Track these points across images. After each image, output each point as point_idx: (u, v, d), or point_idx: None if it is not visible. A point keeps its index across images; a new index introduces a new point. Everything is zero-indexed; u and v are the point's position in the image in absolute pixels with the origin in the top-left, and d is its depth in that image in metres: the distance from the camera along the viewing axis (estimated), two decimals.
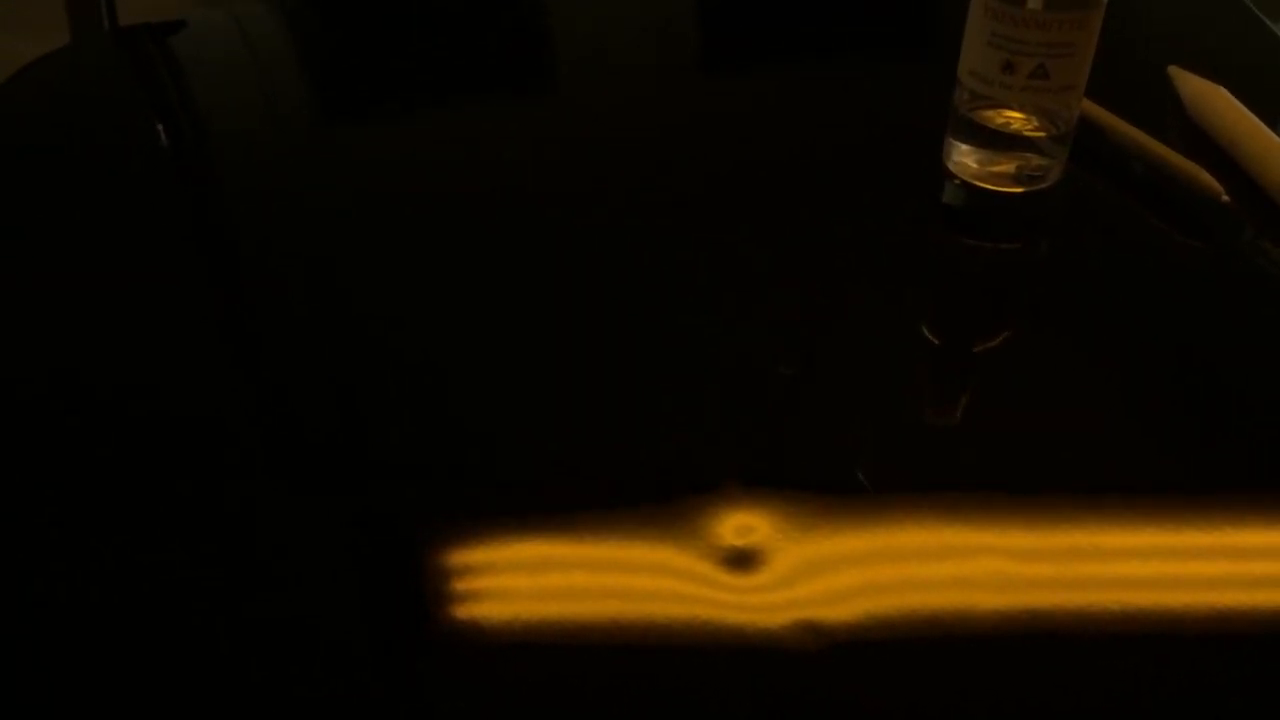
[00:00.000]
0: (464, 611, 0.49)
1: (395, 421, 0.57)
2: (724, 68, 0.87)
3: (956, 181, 0.71)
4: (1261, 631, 0.50)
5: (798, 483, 0.54)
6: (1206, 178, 0.68)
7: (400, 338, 0.62)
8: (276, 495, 0.54)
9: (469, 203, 0.70)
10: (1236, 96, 0.74)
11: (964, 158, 0.70)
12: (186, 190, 0.75)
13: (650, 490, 0.53)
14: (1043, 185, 0.70)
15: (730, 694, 0.46)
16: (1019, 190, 0.70)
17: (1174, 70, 0.78)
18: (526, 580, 0.50)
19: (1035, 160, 0.69)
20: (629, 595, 0.50)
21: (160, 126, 0.80)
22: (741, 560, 0.50)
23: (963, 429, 0.59)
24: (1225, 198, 0.68)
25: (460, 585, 0.50)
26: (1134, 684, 0.47)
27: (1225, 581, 0.51)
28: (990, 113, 0.69)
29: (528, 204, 0.70)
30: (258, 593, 0.50)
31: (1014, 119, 0.69)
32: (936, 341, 0.64)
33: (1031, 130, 0.69)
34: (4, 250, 0.68)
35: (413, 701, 0.46)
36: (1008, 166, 0.69)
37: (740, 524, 0.52)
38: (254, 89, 0.81)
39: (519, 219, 0.69)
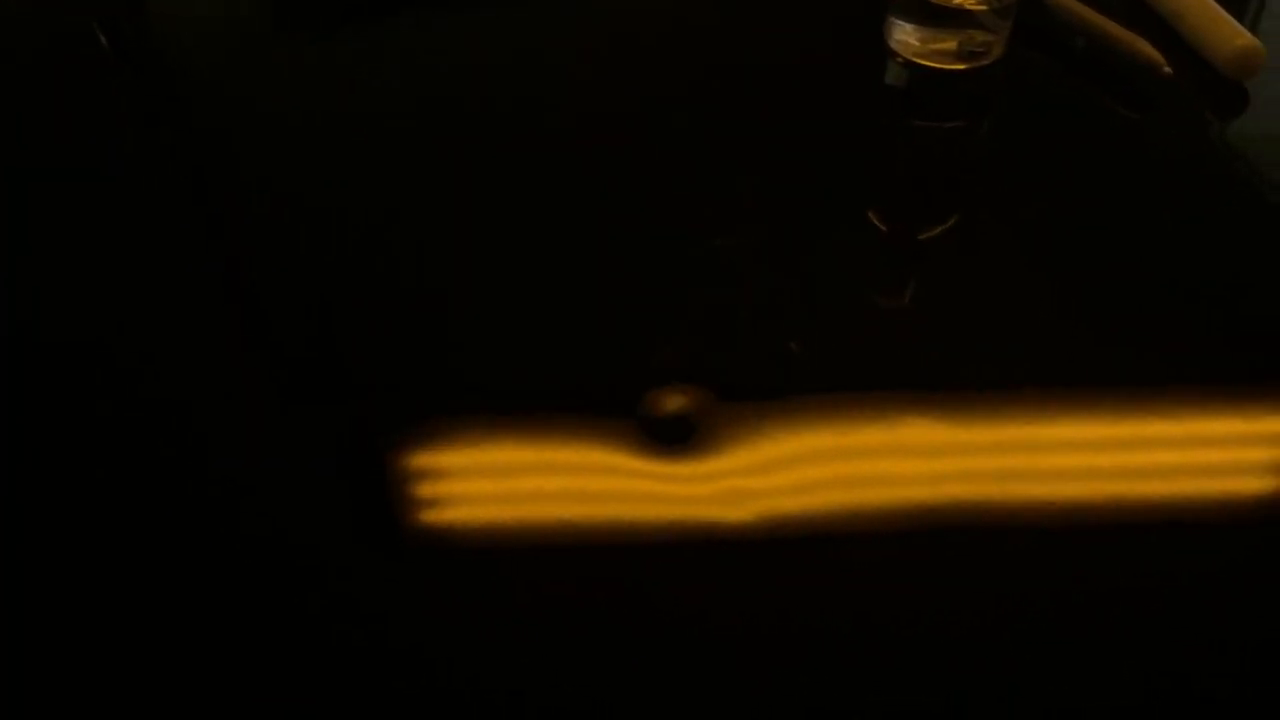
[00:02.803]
0: (430, 517, 0.49)
1: (345, 334, 0.57)
2: None
3: (899, 60, 0.70)
4: (1217, 518, 0.50)
5: (748, 379, 0.54)
6: (1148, 49, 0.68)
7: (366, 248, 0.61)
8: (246, 403, 0.54)
9: (435, 111, 0.70)
10: None
11: (906, 36, 0.70)
12: (147, 97, 0.74)
13: (611, 393, 0.53)
14: (985, 61, 0.69)
15: (685, 588, 0.46)
16: (962, 67, 0.69)
17: None
18: (492, 485, 0.50)
19: (978, 36, 0.69)
20: (591, 497, 0.50)
21: (99, 30, 0.79)
22: (700, 458, 0.50)
23: (912, 316, 0.59)
24: (1167, 69, 0.68)
25: (425, 491, 0.50)
26: (1091, 575, 0.47)
27: (1177, 470, 0.51)
28: None
29: (495, 111, 0.69)
30: (228, 501, 0.49)
31: None
32: (883, 224, 0.64)
33: (973, 4, 0.68)
34: None
35: (382, 602, 0.46)
36: (950, 43, 0.69)
37: (694, 421, 0.52)
38: None
39: (485, 126, 0.68)
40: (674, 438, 0.50)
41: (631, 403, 0.52)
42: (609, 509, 0.49)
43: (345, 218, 0.62)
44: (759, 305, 0.57)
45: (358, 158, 0.66)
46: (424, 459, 0.51)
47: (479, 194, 0.64)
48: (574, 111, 0.69)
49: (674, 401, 0.52)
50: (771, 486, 0.49)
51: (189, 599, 0.46)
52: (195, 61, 0.75)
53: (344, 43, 0.76)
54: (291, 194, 0.64)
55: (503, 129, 0.68)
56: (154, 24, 0.79)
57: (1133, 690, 0.43)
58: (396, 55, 0.74)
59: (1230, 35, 0.69)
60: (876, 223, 0.64)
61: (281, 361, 0.56)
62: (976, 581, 0.47)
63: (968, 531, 0.48)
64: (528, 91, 0.70)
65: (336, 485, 0.51)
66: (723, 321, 0.57)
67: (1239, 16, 0.70)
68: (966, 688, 0.44)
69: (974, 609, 0.46)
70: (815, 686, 0.43)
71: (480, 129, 0.68)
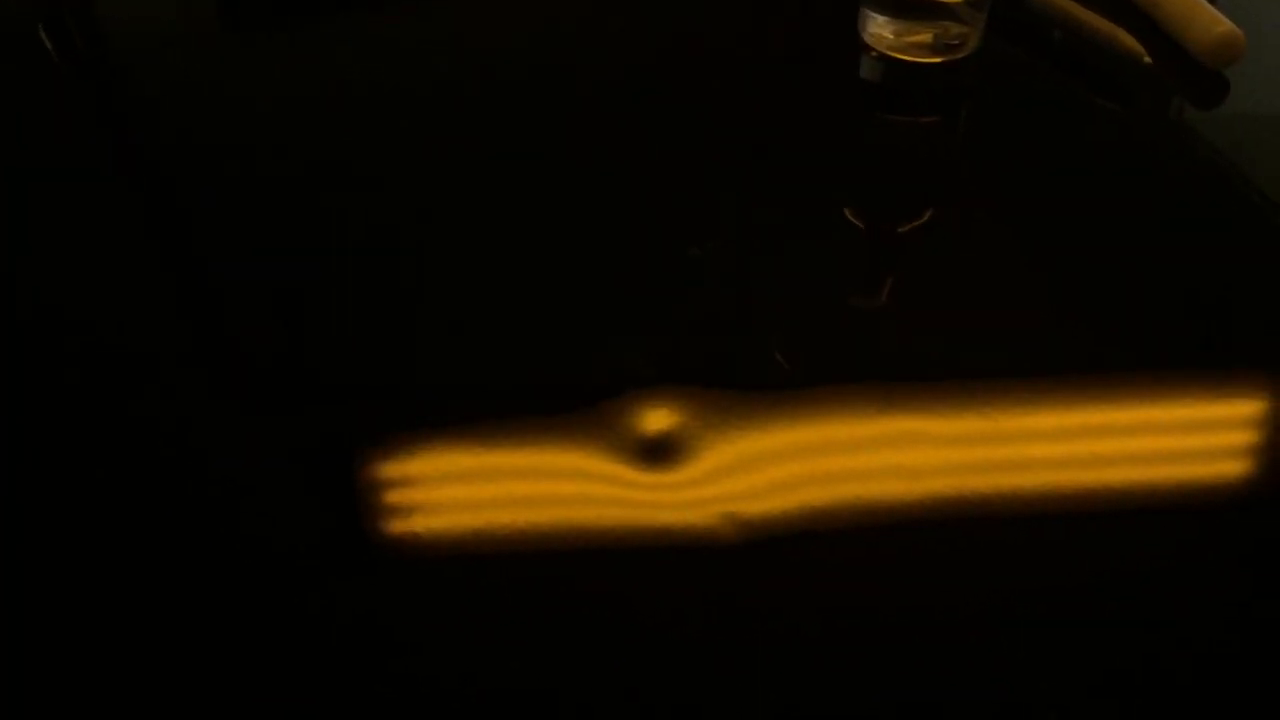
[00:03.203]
0: (394, 526, 0.47)
1: (312, 337, 0.54)
2: None
3: (874, 54, 0.68)
4: (1193, 502, 0.49)
5: (720, 377, 0.52)
6: (1127, 39, 0.67)
7: (320, 249, 0.58)
8: (204, 413, 0.51)
9: (392, 107, 0.67)
10: None
11: (880, 29, 0.68)
12: (95, 98, 0.71)
13: (571, 393, 0.51)
14: (961, 54, 0.68)
15: (660, 593, 0.44)
16: (937, 60, 0.68)
17: None
18: (453, 492, 0.48)
19: (953, 28, 0.67)
20: (555, 501, 0.48)
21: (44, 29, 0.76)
22: (667, 459, 0.48)
23: (888, 312, 0.57)
24: (1147, 59, 0.66)
25: (388, 500, 0.48)
26: (1068, 563, 0.46)
27: (1158, 456, 0.50)
28: None
29: (456, 108, 0.67)
30: (191, 514, 0.47)
31: None
32: (861, 221, 0.62)
33: None
34: None
35: (348, 615, 0.44)
36: (925, 36, 0.67)
37: (665, 422, 0.50)
38: None
39: (446, 124, 0.66)
40: (651, 447, 0.49)
41: (604, 405, 0.50)
42: (582, 513, 0.47)
43: (305, 218, 0.60)
44: (738, 304, 0.56)
45: (315, 156, 0.64)
46: (394, 466, 0.49)
47: (445, 193, 0.61)
48: (542, 110, 0.67)
49: (651, 416, 0.50)
50: (749, 488, 0.47)
51: (160, 611, 0.44)
52: (146, 60, 0.72)
53: (295, 36, 0.74)
54: (249, 194, 0.61)
55: (467, 127, 0.65)
56: (101, 25, 0.77)
57: (1114, 677, 0.42)
58: (348, 49, 0.72)
59: (1209, 23, 0.67)
60: (854, 219, 0.62)
61: (247, 367, 0.54)
62: (957, 574, 0.45)
63: (944, 525, 0.47)
64: (492, 89, 0.68)
65: (306, 494, 0.48)
66: (700, 322, 0.55)
67: None
68: (948, 682, 0.42)
69: (954, 601, 0.44)
70: (798, 687, 0.42)
71: (442, 126, 0.66)
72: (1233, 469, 0.51)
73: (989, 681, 0.42)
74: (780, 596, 0.44)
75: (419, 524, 0.47)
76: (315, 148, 0.64)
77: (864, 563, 0.45)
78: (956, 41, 0.67)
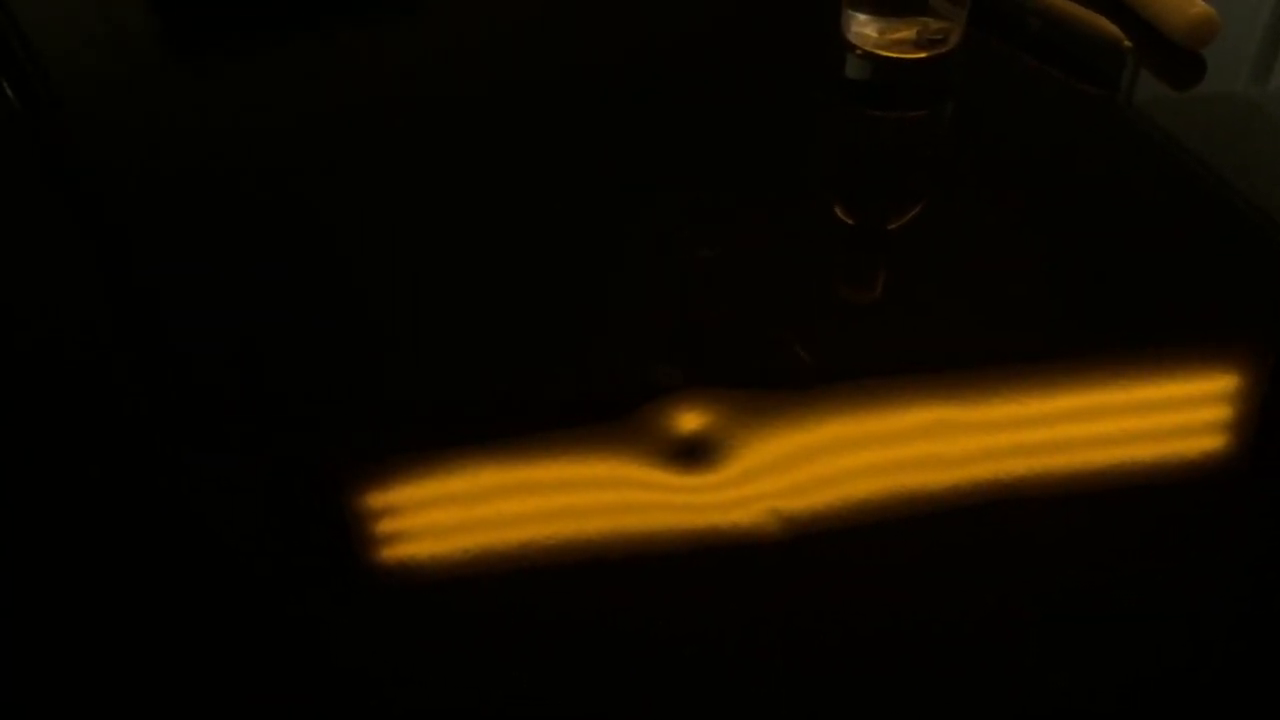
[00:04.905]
0: (419, 551, 0.46)
1: (299, 356, 0.54)
2: None
3: (859, 53, 0.69)
4: (1213, 477, 0.49)
5: (746, 377, 0.52)
6: (1106, 24, 0.68)
7: (293, 262, 0.58)
8: (179, 453, 0.50)
9: (360, 113, 0.67)
10: None
11: (863, 28, 0.69)
12: (35, 129, 0.70)
13: (593, 401, 0.51)
14: (945, 48, 0.68)
15: (705, 596, 0.44)
16: (922, 55, 0.68)
17: None
18: (500, 507, 0.47)
19: (933, 24, 0.68)
20: (600, 510, 0.47)
21: None
22: (705, 462, 0.48)
23: (898, 306, 0.57)
24: (1128, 43, 0.67)
25: (410, 524, 0.47)
26: (1107, 541, 0.46)
27: (1175, 431, 0.50)
28: None
29: (414, 111, 0.67)
30: (186, 569, 0.46)
31: None
32: (861, 218, 0.63)
33: None
34: None
35: (371, 650, 0.43)
36: (908, 32, 0.68)
37: (698, 425, 0.49)
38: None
39: (408, 125, 0.66)
40: (687, 451, 0.48)
41: (636, 413, 0.49)
42: (629, 520, 0.47)
43: (273, 242, 0.59)
44: (754, 303, 0.55)
45: (274, 176, 0.63)
46: (435, 485, 0.48)
47: (416, 205, 0.61)
48: (525, 117, 0.67)
49: (684, 420, 0.50)
50: (774, 485, 0.47)
51: (155, 646, 0.43)
52: (87, 87, 0.72)
53: (241, 58, 0.74)
54: (210, 221, 0.61)
55: (441, 133, 0.65)
56: (37, 49, 0.76)
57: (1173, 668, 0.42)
58: (296, 69, 0.73)
59: (1184, 5, 0.68)
60: (857, 215, 0.62)
61: (264, 389, 0.53)
62: (1001, 560, 0.45)
63: (985, 511, 0.47)
64: (466, 90, 0.69)
65: (346, 517, 0.48)
66: (720, 323, 0.55)
67: None
68: (1014, 674, 0.42)
69: (1017, 588, 0.44)
70: (864, 681, 0.42)
71: (410, 134, 0.65)
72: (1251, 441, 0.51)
73: (1052, 670, 0.42)
74: (837, 589, 0.44)
75: (467, 542, 0.46)
76: (266, 169, 0.64)
77: (915, 553, 0.45)
78: (939, 36, 0.68)
